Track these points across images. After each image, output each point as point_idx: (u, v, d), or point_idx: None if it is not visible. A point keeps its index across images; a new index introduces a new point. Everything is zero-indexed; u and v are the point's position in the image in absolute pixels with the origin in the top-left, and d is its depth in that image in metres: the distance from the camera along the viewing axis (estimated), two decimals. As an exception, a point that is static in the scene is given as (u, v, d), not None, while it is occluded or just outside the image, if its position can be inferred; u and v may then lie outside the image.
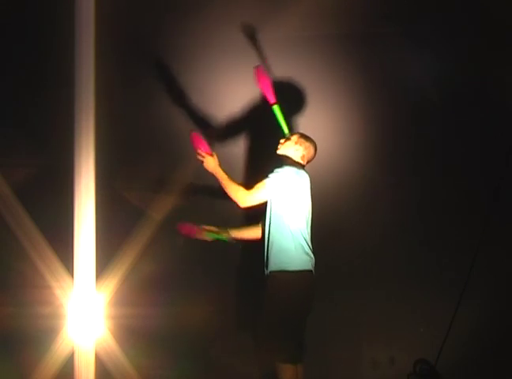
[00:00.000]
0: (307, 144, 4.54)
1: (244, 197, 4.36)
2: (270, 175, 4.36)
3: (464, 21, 5.11)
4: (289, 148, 4.52)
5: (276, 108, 4.63)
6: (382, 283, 5.13)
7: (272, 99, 4.63)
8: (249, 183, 4.45)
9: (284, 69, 5.13)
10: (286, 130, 4.63)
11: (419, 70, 5.17)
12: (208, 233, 4.66)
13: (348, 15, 5.14)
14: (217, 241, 4.68)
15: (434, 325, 5.08)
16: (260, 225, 4.62)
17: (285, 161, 4.48)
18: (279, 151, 4.54)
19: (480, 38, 5.08)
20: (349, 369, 5.17)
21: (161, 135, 5.19)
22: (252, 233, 4.68)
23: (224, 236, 4.69)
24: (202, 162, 4.48)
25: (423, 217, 5.18)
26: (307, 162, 4.56)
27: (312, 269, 4.37)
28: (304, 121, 5.12)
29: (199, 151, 4.49)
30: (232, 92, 5.19)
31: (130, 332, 4.96)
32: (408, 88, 5.19)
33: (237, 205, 4.38)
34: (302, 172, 4.44)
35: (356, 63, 5.18)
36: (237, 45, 5.12)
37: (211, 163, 4.46)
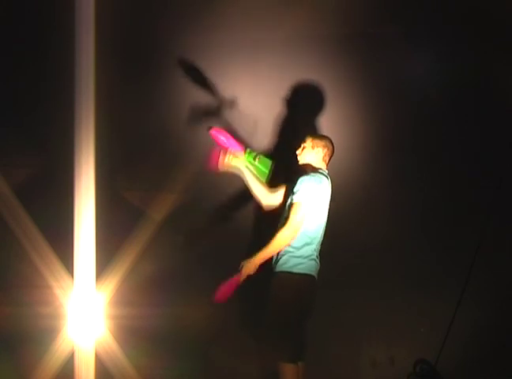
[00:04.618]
0: (323, 143, 4.48)
1: (290, 231, 4.26)
2: (296, 193, 4.29)
3: (464, 21, 5.11)
4: (309, 154, 4.46)
5: (248, 157, 4.55)
6: (382, 283, 5.13)
7: (240, 150, 4.56)
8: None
9: (284, 69, 5.13)
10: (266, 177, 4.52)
11: (419, 70, 5.17)
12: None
13: (348, 15, 5.14)
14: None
15: (434, 325, 5.09)
16: (275, 196, 4.56)
17: (306, 170, 4.40)
18: (301, 162, 4.46)
19: (480, 38, 5.09)
20: (349, 369, 5.17)
21: (161, 135, 5.18)
22: (265, 194, 4.58)
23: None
24: (244, 275, 4.38)
25: (424, 217, 5.18)
26: (329, 159, 4.50)
27: (315, 275, 4.39)
28: (303, 122, 5.12)
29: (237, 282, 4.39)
30: (234, 92, 5.19)
31: (130, 332, 4.96)
32: (408, 88, 5.19)
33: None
34: (323, 179, 4.38)
35: (356, 63, 5.18)
36: (238, 44, 5.13)
37: (250, 266, 4.36)
